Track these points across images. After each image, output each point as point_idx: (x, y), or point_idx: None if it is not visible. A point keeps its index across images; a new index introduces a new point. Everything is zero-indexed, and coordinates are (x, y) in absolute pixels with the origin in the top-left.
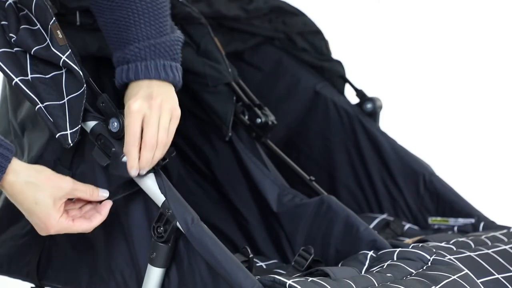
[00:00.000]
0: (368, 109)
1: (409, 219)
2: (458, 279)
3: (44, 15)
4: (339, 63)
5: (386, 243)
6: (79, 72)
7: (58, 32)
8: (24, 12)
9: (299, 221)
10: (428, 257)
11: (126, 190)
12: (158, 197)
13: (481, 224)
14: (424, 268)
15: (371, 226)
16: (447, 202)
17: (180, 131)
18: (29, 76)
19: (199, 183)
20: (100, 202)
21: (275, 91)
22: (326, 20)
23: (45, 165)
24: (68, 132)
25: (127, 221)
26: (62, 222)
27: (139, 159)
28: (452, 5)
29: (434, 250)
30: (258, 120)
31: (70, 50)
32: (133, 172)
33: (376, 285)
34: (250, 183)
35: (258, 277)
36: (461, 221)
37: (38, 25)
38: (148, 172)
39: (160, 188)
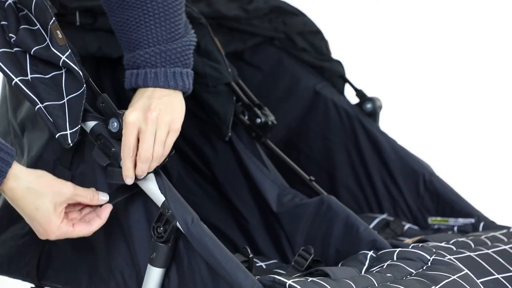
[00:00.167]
0: (368, 109)
1: (409, 219)
2: (458, 279)
3: (44, 15)
4: (339, 63)
5: (386, 243)
6: (79, 72)
7: (58, 32)
8: (24, 12)
9: (299, 221)
10: (428, 257)
11: (126, 192)
12: (158, 197)
13: (481, 224)
14: (424, 268)
15: (371, 226)
16: (447, 202)
17: (180, 131)
18: (29, 76)
19: (199, 183)
20: (101, 205)
21: (275, 91)
22: (326, 20)
23: (45, 165)
24: (68, 132)
25: (127, 221)
26: (63, 227)
27: (134, 168)
28: (452, 5)
29: (434, 250)
30: (258, 120)
31: (70, 50)
32: (128, 181)
33: (376, 285)
34: (250, 183)
35: (258, 277)
36: (461, 221)
37: (38, 25)
38: (148, 172)
39: (160, 188)
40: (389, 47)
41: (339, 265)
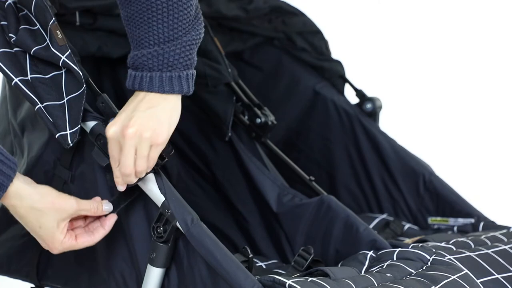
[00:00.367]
0: (368, 109)
1: (409, 219)
2: (458, 279)
3: (44, 15)
4: (338, 63)
5: (386, 243)
6: (79, 72)
7: (58, 32)
8: (24, 12)
9: (299, 221)
10: (428, 257)
11: (128, 198)
12: (158, 197)
13: (481, 224)
14: (424, 268)
15: (371, 226)
16: (447, 202)
17: (180, 131)
18: (29, 76)
19: (199, 183)
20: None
21: (275, 91)
22: (326, 20)
23: (45, 165)
24: (68, 132)
25: (127, 221)
26: (66, 242)
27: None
28: (452, 5)
29: (434, 250)
30: (258, 120)
31: (69, 50)
32: (119, 188)
33: (376, 285)
34: (250, 183)
35: (258, 277)
36: (461, 221)
37: (38, 25)
38: (148, 172)
39: (160, 189)
40: (389, 47)
41: (339, 265)
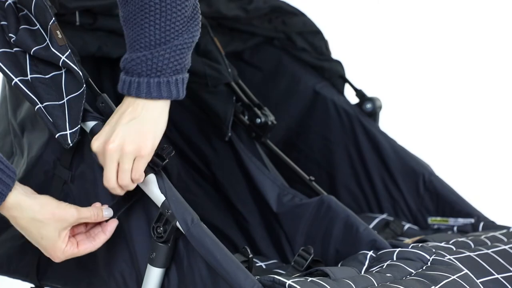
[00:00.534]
0: (368, 109)
1: (409, 219)
2: (458, 279)
3: (44, 15)
4: (338, 63)
5: (385, 243)
6: (79, 72)
7: (58, 32)
8: (24, 12)
9: (299, 221)
10: (428, 257)
11: (129, 201)
12: (158, 197)
13: (481, 224)
14: (424, 268)
15: (371, 226)
16: (447, 202)
17: (180, 131)
18: (29, 76)
19: (199, 183)
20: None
21: (275, 91)
22: (326, 20)
23: (45, 165)
24: (68, 132)
25: (126, 222)
26: (68, 251)
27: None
28: (452, 5)
29: (434, 250)
30: (258, 120)
31: (69, 50)
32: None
33: (376, 285)
34: (250, 183)
35: (258, 277)
36: (461, 221)
37: (38, 25)
38: (148, 173)
39: (160, 188)
40: (389, 47)
41: (339, 265)
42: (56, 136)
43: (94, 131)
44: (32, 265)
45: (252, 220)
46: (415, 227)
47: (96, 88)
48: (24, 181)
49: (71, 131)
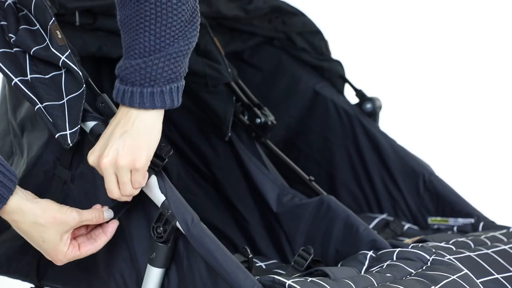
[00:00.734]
0: (368, 109)
1: (408, 219)
2: (458, 279)
3: (44, 15)
4: (338, 63)
5: (385, 243)
6: (79, 72)
7: (58, 32)
8: (24, 12)
9: (299, 221)
10: (428, 257)
11: (127, 203)
12: (158, 197)
13: (481, 224)
14: (424, 268)
15: (371, 226)
16: (447, 202)
17: (180, 131)
18: (29, 76)
19: (199, 183)
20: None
21: (275, 91)
22: (326, 20)
23: (45, 165)
24: (68, 132)
25: (126, 222)
26: (69, 254)
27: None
28: (452, 5)
29: (434, 250)
30: (258, 120)
31: (69, 51)
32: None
33: (376, 285)
34: (250, 183)
35: (258, 277)
36: (461, 221)
37: (38, 25)
38: (149, 174)
39: (160, 188)
40: (389, 47)
41: (339, 265)
42: (56, 136)
43: (94, 131)
44: (32, 265)
45: (252, 220)
46: (415, 227)
47: (96, 88)
48: (24, 181)
49: (71, 131)
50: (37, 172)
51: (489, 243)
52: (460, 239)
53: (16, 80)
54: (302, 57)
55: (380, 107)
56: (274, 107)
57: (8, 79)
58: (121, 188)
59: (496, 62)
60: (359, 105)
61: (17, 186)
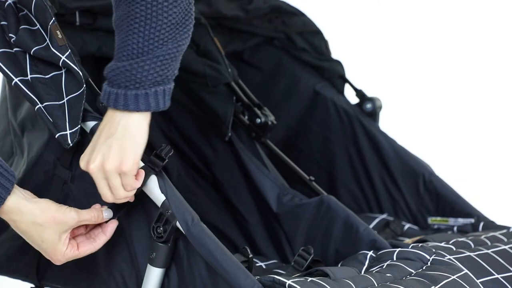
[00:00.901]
0: (368, 109)
1: (408, 219)
2: (458, 279)
3: (44, 15)
4: (338, 63)
5: (385, 243)
6: (79, 72)
7: (58, 32)
8: (24, 12)
9: (299, 221)
10: (428, 257)
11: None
12: (158, 197)
13: (481, 224)
14: (424, 268)
15: (371, 226)
16: (447, 202)
17: (180, 131)
18: (29, 76)
19: (199, 183)
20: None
21: (275, 91)
22: (326, 20)
23: (45, 165)
24: (68, 132)
25: (126, 221)
26: (68, 253)
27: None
28: (452, 5)
29: (434, 250)
30: (258, 120)
31: (69, 50)
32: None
33: (376, 285)
34: (250, 183)
35: (258, 277)
36: (461, 221)
37: (38, 25)
38: (148, 173)
39: (160, 188)
40: (389, 47)
41: (339, 265)
42: (56, 136)
43: (94, 131)
44: (32, 265)
45: (252, 220)
46: (415, 227)
47: (96, 88)
48: (24, 181)
49: (71, 131)
50: (37, 172)
51: (489, 243)
52: (460, 239)
53: (16, 80)
54: (302, 57)
55: (380, 107)
56: (274, 107)
57: (8, 79)
58: (113, 192)
59: (496, 62)
60: (359, 105)
61: (16, 186)
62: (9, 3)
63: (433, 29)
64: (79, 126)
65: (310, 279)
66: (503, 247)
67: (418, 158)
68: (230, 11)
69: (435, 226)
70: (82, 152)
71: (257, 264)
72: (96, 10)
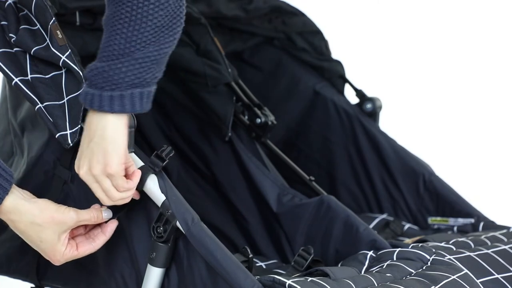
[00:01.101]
0: (368, 109)
1: (409, 219)
2: (458, 279)
3: (44, 15)
4: (338, 63)
5: (385, 243)
6: (79, 72)
7: (58, 32)
8: (24, 12)
9: (299, 221)
10: (428, 257)
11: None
12: (158, 197)
13: (481, 224)
14: (424, 268)
15: (371, 226)
16: (447, 202)
17: (180, 131)
18: (29, 76)
19: (199, 183)
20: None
21: (275, 91)
22: (326, 20)
23: (45, 165)
24: (68, 132)
25: (126, 221)
26: (67, 254)
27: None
28: (452, 5)
29: (434, 250)
30: (258, 120)
31: (69, 50)
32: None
33: (376, 285)
34: (250, 183)
35: (258, 277)
36: (461, 221)
37: (38, 25)
38: (148, 173)
39: (160, 188)
40: (389, 47)
41: (339, 265)
42: (56, 136)
43: None
44: (32, 265)
45: (252, 220)
46: (415, 227)
47: None
48: (24, 181)
49: (71, 131)
50: (37, 172)
51: (489, 243)
52: (460, 239)
53: (16, 80)
54: (302, 57)
55: (380, 107)
56: (274, 107)
57: (8, 79)
58: (107, 194)
59: (496, 62)
60: (359, 105)
61: (14, 186)
62: (9, 3)
63: (433, 29)
64: (79, 126)
65: (310, 279)
66: (503, 247)
67: (418, 158)
68: (230, 11)
69: (435, 226)
70: None
71: (257, 264)
72: (96, 10)
